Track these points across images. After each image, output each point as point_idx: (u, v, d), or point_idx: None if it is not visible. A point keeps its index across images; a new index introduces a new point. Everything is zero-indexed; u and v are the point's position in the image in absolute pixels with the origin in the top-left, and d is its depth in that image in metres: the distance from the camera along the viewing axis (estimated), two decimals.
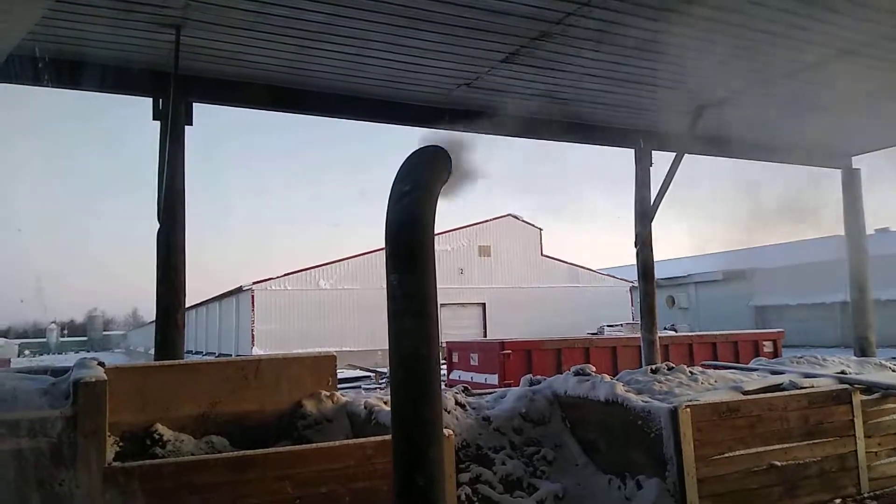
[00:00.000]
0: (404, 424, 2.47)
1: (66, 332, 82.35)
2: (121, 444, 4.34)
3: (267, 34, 5.90)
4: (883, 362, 6.85)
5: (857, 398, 5.49)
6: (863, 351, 10.46)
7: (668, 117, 8.66)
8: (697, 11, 5.69)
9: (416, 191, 2.51)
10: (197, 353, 41.58)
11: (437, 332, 2.50)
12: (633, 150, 9.32)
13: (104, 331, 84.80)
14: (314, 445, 3.89)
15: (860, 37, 6.32)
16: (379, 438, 3.69)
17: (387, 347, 2.68)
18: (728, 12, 5.73)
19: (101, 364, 4.11)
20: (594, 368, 5.77)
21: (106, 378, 3.59)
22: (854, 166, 11.13)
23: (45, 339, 72.89)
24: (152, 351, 6.73)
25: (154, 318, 6.58)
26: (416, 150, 2.71)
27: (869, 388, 5.63)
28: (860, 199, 11.08)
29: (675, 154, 8.84)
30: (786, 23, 5.96)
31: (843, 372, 6.08)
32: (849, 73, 7.22)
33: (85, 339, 79.49)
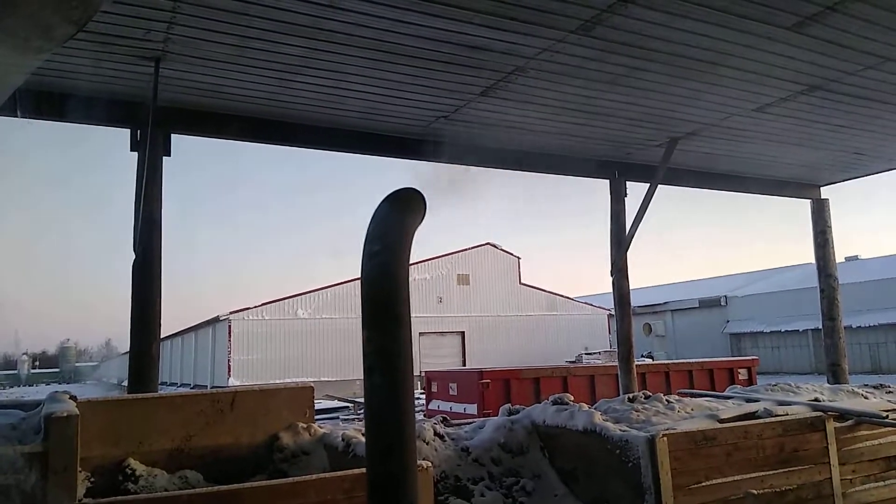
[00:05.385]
0: (377, 479, 2.48)
1: (37, 363, 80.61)
2: (92, 479, 4.25)
3: (246, 67, 5.95)
4: (855, 389, 6.94)
5: (831, 425, 5.54)
6: (835, 378, 10.60)
7: (641, 149, 8.85)
8: (669, 48, 5.86)
9: (386, 251, 2.54)
10: (172, 384, 40.90)
11: (410, 389, 2.52)
12: (608, 181, 9.48)
13: (77, 362, 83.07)
14: (290, 480, 3.84)
15: (826, 72, 6.54)
16: (357, 471, 3.65)
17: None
18: (698, 49, 5.90)
19: (74, 398, 4.04)
20: (572, 397, 5.78)
21: (78, 413, 3.53)
22: (823, 196, 11.40)
23: (15, 371, 71.23)
24: (126, 383, 6.62)
25: (128, 349, 6.49)
26: (387, 199, 2.69)
27: (842, 415, 5.70)
28: (830, 229, 11.33)
29: (648, 185, 9.00)
30: (753, 59, 6.15)
31: (816, 399, 6.16)
32: (816, 107, 7.46)
33: (57, 370, 77.75)
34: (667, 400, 5.91)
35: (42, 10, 1.94)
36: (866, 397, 6.62)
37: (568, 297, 39.31)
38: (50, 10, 1.96)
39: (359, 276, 2.63)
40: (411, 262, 2.75)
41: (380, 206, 2.68)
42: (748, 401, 6.13)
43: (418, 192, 2.76)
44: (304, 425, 5.00)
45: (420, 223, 2.71)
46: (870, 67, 6.42)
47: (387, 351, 2.49)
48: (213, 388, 22.86)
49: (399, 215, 2.66)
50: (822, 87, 6.91)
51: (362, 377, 2.58)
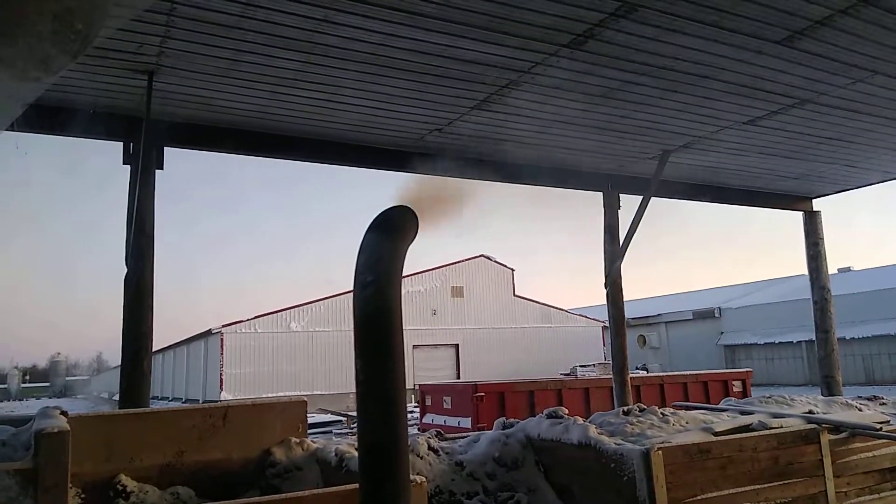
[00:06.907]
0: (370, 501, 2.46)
1: (28, 377, 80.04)
2: (83, 495, 4.21)
3: (240, 80, 5.95)
4: (849, 401, 6.94)
5: (826, 438, 5.54)
6: (829, 390, 10.61)
7: (634, 162, 8.88)
8: (660, 62, 5.91)
9: (378, 281, 2.53)
10: (163, 398, 40.63)
11: (403, 417, 2.51)
12: (601, 194, 9.50)
13: (67, 376, 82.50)
14: (283, 495, 3.81)
15: (816, 86, 6.60)
16: (350, 487, 3.62)
17: None
18: (690, 63, 5.95)
19: (64, 413, 4.01)
20: (567, 411, 5.76)
21: (68, 428, 3.50)
22: (815, 209, 11.47)
23: (5, 386, 70.70)
24: (117, 397, 6.57)
25: (119, 363, 6.44)
26: (375, 223, 2.63)
27: (837, 427, 5.70)
28: (822, 241, 11.38)
29: (642, 197, 9.03)
30: (744, 72, 6.20)
31: (810, 412, 6.16)
32: (807, 120, 7.52)
33: (48, 384, 77.19)
34: (661, 413, 5.90)
35: (41, 42, 1.94)
36: (860, 409, 6.63)
37: (562, 309, 39.27)
38: (49, 42, 1.96)
39: (352, 288, 2.61)
40: (404, 274, 2.72)
41: (369, 231, 2.62)
42: (743, 413, 6.12)
43: (408, 209, 2.70)
44: (297, 440, 4.96)
45: (412, 242, 2.67)
46: (859, 81, 6.48)
47: (379, 380, 2.48)
48: (205, 402, 22.68)
49: (389, 242, 2.62)
50: (812, 101, 6.97)
51: (355, 391, 2.57)
